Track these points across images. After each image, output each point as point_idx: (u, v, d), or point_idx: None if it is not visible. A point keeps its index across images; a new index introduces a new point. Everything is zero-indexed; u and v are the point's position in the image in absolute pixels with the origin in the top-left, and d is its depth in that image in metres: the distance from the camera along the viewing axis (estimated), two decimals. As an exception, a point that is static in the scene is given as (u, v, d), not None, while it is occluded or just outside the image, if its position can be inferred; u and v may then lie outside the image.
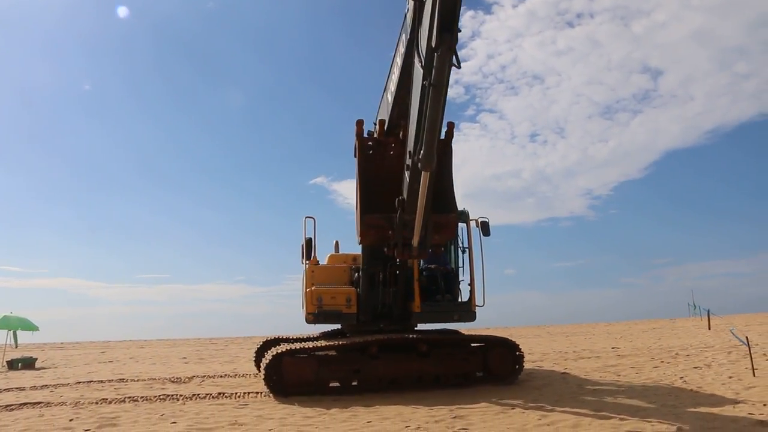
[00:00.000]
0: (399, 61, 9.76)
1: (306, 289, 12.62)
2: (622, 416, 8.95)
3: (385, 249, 10.24)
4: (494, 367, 12.59)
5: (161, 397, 11.82)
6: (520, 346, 12.96)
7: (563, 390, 11.38)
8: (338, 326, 13.93)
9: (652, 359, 16.38)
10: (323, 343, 12.14)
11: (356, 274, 13.18)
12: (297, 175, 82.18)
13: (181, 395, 11.95)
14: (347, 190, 75.32)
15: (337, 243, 14.75)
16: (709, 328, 26.08)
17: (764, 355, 14.98)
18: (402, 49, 9.49)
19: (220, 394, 12.09)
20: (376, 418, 9.39)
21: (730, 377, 12.62)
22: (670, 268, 74.66)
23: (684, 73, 70.63)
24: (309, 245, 13.29)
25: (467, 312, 12.85)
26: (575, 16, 68.12)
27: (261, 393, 12.08)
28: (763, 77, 69.26)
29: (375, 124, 11.52)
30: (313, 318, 12.30)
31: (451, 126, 10.77)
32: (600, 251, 75.73)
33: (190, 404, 11.11)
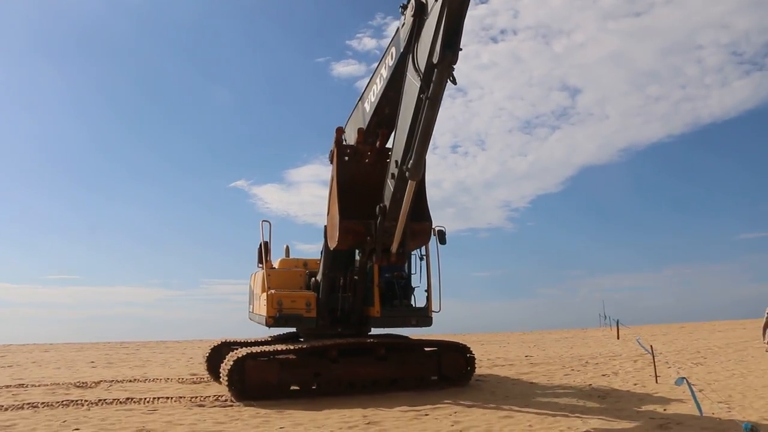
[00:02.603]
0: (385, 73, 9.86)
1: (266, 292, 12.52)
2: (531, 422, 9.14)
3: (359, 254, 10.43)
4: (448, 371, 12.96)
5: (64, 402, 11.18)
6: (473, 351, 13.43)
7: (476, 397, 11.52)
8: (291, 330, 13.95)
9: (564, 367, 16.82)
10: (286, 346, 12.07)
11: (311, 279, 13.24)
12: (216, 177, 79.99)
13: (86, 400, 11.35)
14: (268, 195, 74.32)
15: (287, 247, 14.71)
16: (618, 338, 26.96)
17: (666, 363, 15.62)
18: (390, 62, 9.59)
19: (128, 399, 11.59)
20: (289, 424, 9.26)
21: (635, 384, 13.13)
22: (584, 280, 76.94)
23: (600, 93, 73.23)
24: (266, 249, 13.29)
25: (424, 317, 13.14)
26: (499, 31, 69.44)
27: (171, 398, 11.71)
28: (671, 101, 72.61)
29: (336, 131, 11.50)
30: (273, 321, 12.28)
31: None
32: (517, 262, 77.24)
33: (95, 410, 10.57)
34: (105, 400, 11.46)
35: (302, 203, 73.81)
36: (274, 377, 11.59)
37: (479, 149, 75.81)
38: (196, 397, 11.75)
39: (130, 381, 14.46)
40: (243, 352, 11.67)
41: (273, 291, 12.44)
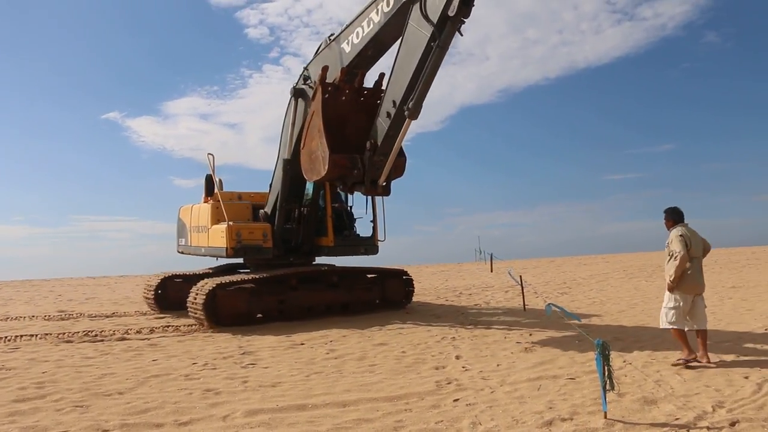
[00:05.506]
0: (377, 18, 10.26)
1: (225, 224, 12.96)
2: (404, 348, 9.42)
3: (340, 186, 11.29)
4: (390, 296, 14.39)
5: None
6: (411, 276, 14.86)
7: (352, 326, 11.71)
8: (230, 262, 14.47)
9: (438, 298, 17.42)
10: (253, 276, 12.68)
11: (260, 211, 13.84)
12: (87, 108, 75.51)
13: (-63, 341, 10.62)
14: (142, 127, 71.19)
15: (221, 181, 14.68)
16: (492, 271, 27.99)
17: (535, 293, 16.51)
18: (387, 8, 9.97)
19: (-15, 338, 10.94)
20: (162, 356, 9.10)
21: (504, 312, 13.83)
22: (461, 217, 79.95)
23: (482, 33, 74.65)
24: (212, 181, 13.82)
25: (371, 246, 14.11)
26: (380, -33, 68.53)
27: (36, 335, 11.16)
28: (548, 45, 75.43)
29: (305, 69, 12.40)
30: (233, 252, 12.89)
31: None
32: (397, 200, 78.53)
33: (-54, 350, 9.92)
34: (-42, 340, 10.75)
35: (179, 137, 71.33)
36: (243, 305, 12.23)
37: (361, 86, 75.42)
38: (64, 333, 11.31)
39: (-11, 320, 13.63)
40: (213, 282, 12.05)
41: (232, 223, 12.94)
